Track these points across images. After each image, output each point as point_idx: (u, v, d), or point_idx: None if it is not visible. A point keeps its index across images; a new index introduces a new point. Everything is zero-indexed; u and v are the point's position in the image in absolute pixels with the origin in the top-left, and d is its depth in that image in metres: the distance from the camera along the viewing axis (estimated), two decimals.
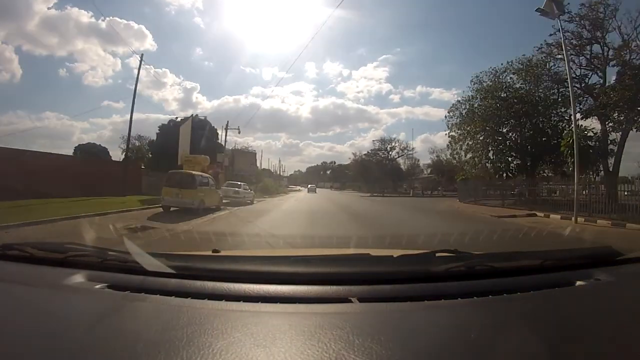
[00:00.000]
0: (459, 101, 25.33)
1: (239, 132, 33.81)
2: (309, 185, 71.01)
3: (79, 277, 1.23)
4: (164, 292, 1.11)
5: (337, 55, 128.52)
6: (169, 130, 29.12)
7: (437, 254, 1.36)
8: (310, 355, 0.77)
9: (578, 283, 1.23)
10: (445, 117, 25.74)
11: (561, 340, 0.89)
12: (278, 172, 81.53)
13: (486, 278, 1.24)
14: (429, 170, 59.77)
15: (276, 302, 1.06)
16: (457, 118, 24.94)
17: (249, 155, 49.29)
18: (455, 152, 25.93)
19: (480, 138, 23.32)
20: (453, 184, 50.21)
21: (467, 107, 24.25)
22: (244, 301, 1.06)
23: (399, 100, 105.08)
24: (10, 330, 0.94)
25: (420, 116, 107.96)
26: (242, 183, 22.01)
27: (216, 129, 35.20)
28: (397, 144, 62.92)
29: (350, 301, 1.06)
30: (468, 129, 23.37)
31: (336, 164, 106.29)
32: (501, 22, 74.73)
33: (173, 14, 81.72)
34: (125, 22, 73.04)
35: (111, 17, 72.19)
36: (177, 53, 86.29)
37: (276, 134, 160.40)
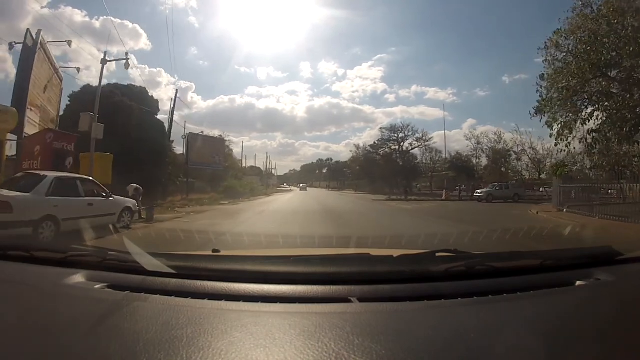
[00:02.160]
0: (557, 31, 14.19)
1: (127, 67, 18.14)
2: (301, 185, 68.94)
3: (79, 277, 1.23)
4: (164, 292, 1.11)
5: (332, 54, 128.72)
6: (84, 99, 19.23)
7: (437, 254, 1.36)
8: (310, 355, 0.77)
9: (578, 283, 1.23)
10: (545, 59, 14.38)
11: (561, 340, 0.89)
12: (269, 170, 75.41)
13: (486, 278, 1.24)
14: (446, 166, 46.76)
15: (276, 302, 1.06)
16: (556, 62, 14.12)
17: (212, 142, 35.89)
18: (566, 121, 13.93)
19: (584, 97, 13.48)
20: (476, 181, 39.47)
21: (579, 39, 13.36)
22: (244, 301, 1.06)
23: (394, 100, 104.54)
24: (11, 330, 0.94)
25: (415, 116, 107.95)
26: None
27: (157, 100, 26.25)
28: (410, 132, 49.61)
29: (351, 301, 1.06)
30: (575, 81, 13.05)
31: (333, 161, 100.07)
32: (496, 21, 74.41)
33: (167, 13, 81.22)
34: (119, 21, 72.19)
35: (105, 17, 71.35)
36: (172, 52, 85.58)
37: (271, 133, 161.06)
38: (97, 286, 1.18)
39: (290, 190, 58.72)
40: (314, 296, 1.09)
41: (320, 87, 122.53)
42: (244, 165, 55.90)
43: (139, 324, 0.93)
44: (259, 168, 68.92)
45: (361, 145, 60.02)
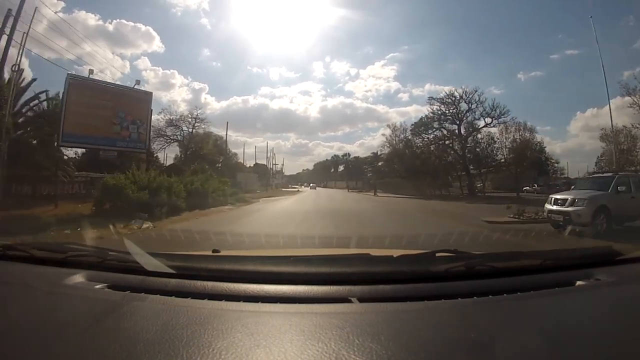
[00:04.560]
0: None
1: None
2: (311, 184, 65.64)
3: (79, 277, 1.23)
4: (164, 292, 1.11)
5: (344, 54, 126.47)
6: None
7: (437, 254, 1.36)
8: (310, 355, 0.77)
9: (578, 283, 1.23)
10: None
11: (561, 340, 0.89)
12: (274, 168, 64.46)
13: (486, 278, 1.24)
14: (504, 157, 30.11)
15: (276, 302, 1.06)
16: None
17: (121, 97, 18.49)
18: None
19: None
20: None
21: None
22: (244, 301, 1.06)
23: (408, 99, 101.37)
24: (11, 330, 0.94)
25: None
26: None
27: None
28: (475, 104, 31.28)
29: (351, 301, 1.06)
30: None
31: (351, 156, 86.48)
32: (510, 18, 73.09)
33: (179, 15, 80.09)
34: (132, 24, 70.62)
35: (118, 20, 70.37)
36: (185, 54, 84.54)
37: (285, 134, 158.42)
38: (97, 286, 1.18)
39: (298, 192, 45.78)
40: (314, 296, 1.09)
41: (333, 87, 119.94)
42: (240, 160, 48.37)
43: (139, 324, 0.93)
44: (265, 166, 59.18)
45: (398, 125, 40.55)
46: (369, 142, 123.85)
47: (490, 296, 1.11)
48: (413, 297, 1.07)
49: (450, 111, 32.78)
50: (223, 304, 1.04)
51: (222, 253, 1.76)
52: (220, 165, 35.84)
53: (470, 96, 31.72)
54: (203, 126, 35.44)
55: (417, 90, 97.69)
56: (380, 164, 47.56)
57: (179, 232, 6.48)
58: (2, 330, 0.94)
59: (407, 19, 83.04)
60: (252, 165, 55.09)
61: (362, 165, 71.10)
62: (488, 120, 31.33)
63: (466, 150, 31.95)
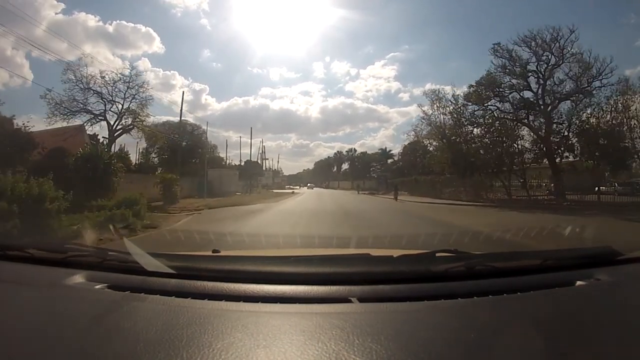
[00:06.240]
0: None
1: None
2: (308, 184, 64.74)
3: (79, 277, 1.23)
4: (164, 292, 1.12)
5: (344, 54, 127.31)
6: None
7: (437, 254, 1.36)
8: (310, 355, 0.77)
9: (578, 283, 1.23)
10: None
11: (561, 340, 0.89)
12: (262, 163, 55.35)
13: (486, 278, 1.24)
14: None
15: (276, 302, 1.06)
16: None
17: None
18: None
19: None
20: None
21: None
22: (244, 301, 1.06)
23: (408, 99, 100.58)
24: (11, 330, 0.94)
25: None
26: None
27: None
28: (568, 54, 18.50)
29: (351, 301, 1.06)
30: None
31: (357, 152, 77.88)
32: (510, 17, 72.82)
33: (179, 16, 79.74)
34: (132, 25, 70.71)
35: (118, 21, 69.04)
36: (186, 55, 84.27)
37: (286, 134, 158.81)
38: (97, 286, 1.18)
39: (293, 194, 36.89)
40: (314, 296, 1.09)
41: (334, 87, 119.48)
42: (222, 155, 40.46)
43: (139, 324, 0.93)
44: (257, 163, 51.36)
45: (449, 94, 23.59)
46: (370, 142, 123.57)
47: (490, 296, 1.11)
48: (413, 298, 1.07)
49: (530, 67, 19.06)
50: (223, 304, 1.04)
51: (222, 253, 1.76)
52: (197, 160, 26.91)
53: (564, 41, 18.39)
54: (147, 96, 23.12)
55: (418, 90, 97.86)
56: (390, 161, 40.81)
57: (179, 232, 6.46)
58: (2, 330, 0.94)
59: (408, 19, 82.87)
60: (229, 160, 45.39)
61: (369, 163, 64.72)
62: (580, 84, 19.03)
63: (552, 129, 19.43)
